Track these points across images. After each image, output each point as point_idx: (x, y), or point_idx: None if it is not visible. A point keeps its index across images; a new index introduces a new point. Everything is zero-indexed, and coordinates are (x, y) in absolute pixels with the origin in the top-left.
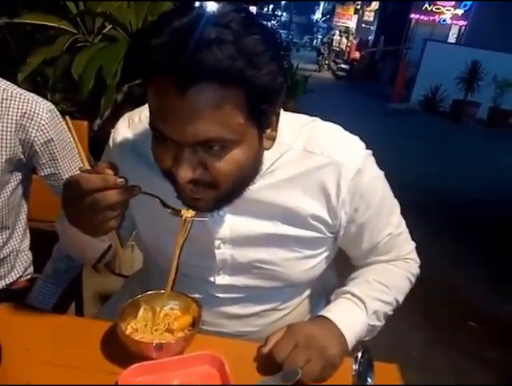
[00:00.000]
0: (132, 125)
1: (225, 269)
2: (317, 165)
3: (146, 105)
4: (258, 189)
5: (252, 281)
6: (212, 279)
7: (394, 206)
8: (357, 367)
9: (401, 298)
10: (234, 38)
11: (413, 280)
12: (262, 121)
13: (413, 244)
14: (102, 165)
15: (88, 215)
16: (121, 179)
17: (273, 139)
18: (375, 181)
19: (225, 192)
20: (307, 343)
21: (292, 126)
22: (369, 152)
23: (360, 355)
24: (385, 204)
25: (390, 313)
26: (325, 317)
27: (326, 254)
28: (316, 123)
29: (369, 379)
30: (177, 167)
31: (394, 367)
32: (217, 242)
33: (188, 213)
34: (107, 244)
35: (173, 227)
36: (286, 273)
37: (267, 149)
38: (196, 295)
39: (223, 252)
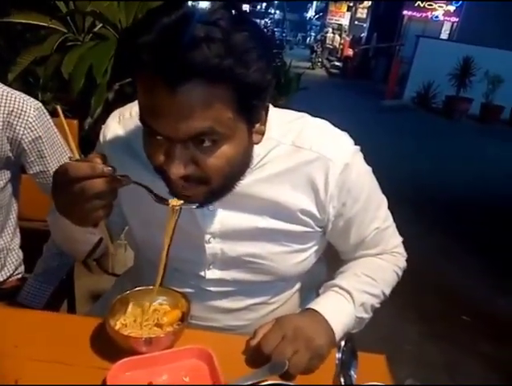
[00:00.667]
0: (123, 120)
1: (215, 264)
2: (306, 160)
3: (137, 101)
4: (247, 184)
5: (242, 275)
6: (202, 273)
7: (382, 200)
8: (340, 355)
9: (388, 291)
10: (223, 36)
11: (400, 273)
12: (252, 116)
13: (400, 239)
14: (91, 154)
15: (76, 203)
16: (110, 168)
17: (262, 133)
18: (363, 176)
19: (217, 187)
20: (294, 335)
21: (281, 122)
22: (357, 148)
23: (343, 343)
24: (372, 199)
25: (378, 305)
26: (313, 309)
27: (315, 248)
28: (305, 119)
29: (352, 369)
30: (169, 164)
31: (381, 357)
32: (207, 236)
33: (176, 202)
34: (97, 237)
35: (163, 220)
36: (275, 267)
37: (256, 143)
38: (187, 289)
39: (213, 247)
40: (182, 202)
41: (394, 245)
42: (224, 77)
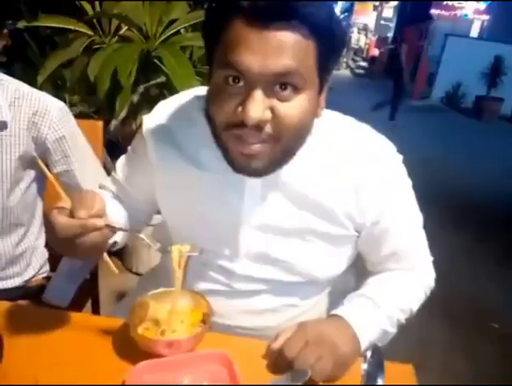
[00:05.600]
0: (168, 111)
1: (247, 258)
2: (352, 165)
3: (181, 94)
4: (293, 181)
5: (272, 273)
6: (233, 268)
7: (418, 217)
8: (366, 366)
9: (415, 308)
10: None
11: (428, 293)
12: (325, 76)
13: (431, 258)
14: (78, 203)
15: (71, 252)
16: (101, 221)
17: (322, 108)
18: (405, 189)
19: (283, 147)
20: (318, 341)
21: (330, 123)
22: (401, 157)
23: (369, 354)
24: (410, 212)
25: (403, 321)
26: (338, 316)
27: (348, 254)
28: (352, 122)
29: (379, 380)
30: (247, 107)
31: (408, 367)
32: (246, 228)
33: (178, 250)
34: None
35: (207, 213)
36: (307, 268)
37: (317, 116)
38: (216, 287)
39: (249, 240)
40: (188, 247)
41: (424, 263)
42: (315, 25)
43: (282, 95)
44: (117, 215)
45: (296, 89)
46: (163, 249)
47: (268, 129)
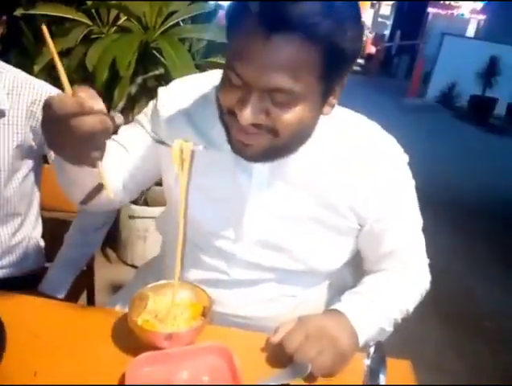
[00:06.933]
0: (184, 89)
1: (250, 243)
2: (362, 161)
3: (198, 75)
4: (301, 170)
5: (272, 259)
6: (233, 251)
7: (418, 218)
8: (369, 362)
9: (411, 308)
10: None
11: (423, 294)
12: (331, 86)
13: (427, 261)
14: (79, 88)
15: (65, 141)
16: (100, 105)
17: (332, 107)
18: (409, 189)
19: (280, 143)
20: (318, 335)
21: (344, 119)
22: (407, 158)
23: (372, 350)
24: (411, 214)
25: (399, 320)
26: (337, 310)
27: (351, 247)
28: (362, 119)
29: (381, 376)
30: (241, 108)
31: (406, 363)
32: (251, 213)
33: (181, 145)
34: (96, 181)
35: (215, 191)
36: (308, 257)
37: (325, 115)
38: (216, 275)
39: (254, 225)
40: (191, 144)
41: (421, 265)
42: (320, 37)
43: (277, 101)
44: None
45: (293, 99)
46: (159, 141)
47: (265, 125)
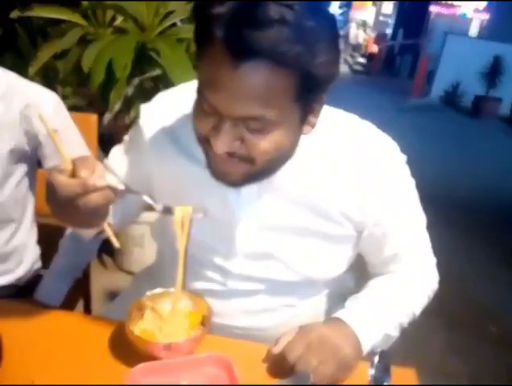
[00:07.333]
0: (168, 105)
1: (244, 257)
2: (353, 165)
3: (181, 86)
4: (290, 177)
5: (270, 272)
6: (230, 267)
7: (421, 217)
8: (373, 371)
9: (418, 312)
10: (296, 20)
11: (431, 295)
12: (308, 108)
13: (434, 260)
14: (79, 163)
15: (72, 217)
16: (103, 181)
17: (313, 125)
18: (408, 190)
19: (258, 169)
20: (320, 344)
21: (331, 121)
22: (405, 158)
23: (377, 359)
24: (413, 214)
25: (406, 325)
26: (340, 319)
27: (348, 254)
28: (355, 121)
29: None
30: (215, 137)
31: (411, 371)
32: (242, 227)
33: (181, 211)
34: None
35: (213, 213)
36: (306, 268)
37: (306, 134)
38: (212, 286)
39: (245, 238)
40: (190, 209)
41: (427, 265)
42: (290, 63)
43: (252, 128)
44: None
45: (267, 126)
46: (167, 210)
47: (241, 153)
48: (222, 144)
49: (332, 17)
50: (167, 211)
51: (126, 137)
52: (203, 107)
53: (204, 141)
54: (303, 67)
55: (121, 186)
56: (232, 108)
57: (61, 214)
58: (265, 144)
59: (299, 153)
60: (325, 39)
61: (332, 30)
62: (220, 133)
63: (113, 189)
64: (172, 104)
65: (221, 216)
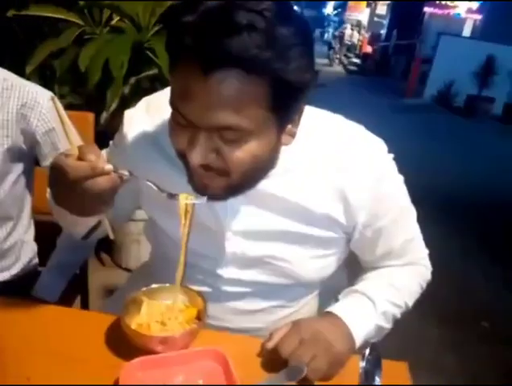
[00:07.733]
0: (150, 111)
1: (234, 263)
2: (337, 167)
3: (167, 90)
4: (275, 184)
5: (260, 276)
6: (220, 272)
7: (411, 211)
8: (364, 364)
9: (410, 303)
10: (266, 26)
11: (424, 286)
12: (285, 117)
13: (426, 251)
14: (85, 148)
15: (76, 201)
16: (110, 166)
17: (293, 135)
18: (396, 187)
19: (236, 181)
20: (313, 339)
21: (314, 124)
22: (391, 156)
23: (368, 352)
24: (403, 210)
25: (399, 316)
26: (333, 313)
27: (337, 255)
28: (339, 121)
29: (376, 378)
30: (190, 150)
31: (403, 365)
32: (229, 234)
33: (185, 198)
34: (96, 220)
35: (200, 220)
36: (296, 271)
37: (286, 144)
38: (203, 289)
39: (233, 245)
40: (192, 197)
41: (420, 257)
42: (261, 70)
43: (227, 139)
44: None
45: (243, 136)
46: (172, 196)
47: (216, 167)
48: (197, 155)
49: (305, 23)
50: (172, 196)
51: (111, 143)
52: (178, 120)
53: (183, 156)
54: (274, 73)
55: (126, 173)
56: (205, 118)
57: (65, 199)
58: (240, 154)
59: (284, 157)
60: (298, 45)
61: (305, 37)
62: (196, 144)
63: (119, 174)
64: (155, 110)
65: (209, 223)
